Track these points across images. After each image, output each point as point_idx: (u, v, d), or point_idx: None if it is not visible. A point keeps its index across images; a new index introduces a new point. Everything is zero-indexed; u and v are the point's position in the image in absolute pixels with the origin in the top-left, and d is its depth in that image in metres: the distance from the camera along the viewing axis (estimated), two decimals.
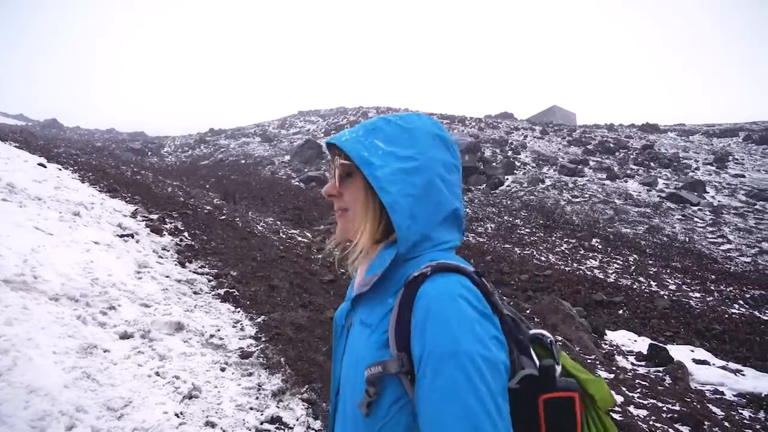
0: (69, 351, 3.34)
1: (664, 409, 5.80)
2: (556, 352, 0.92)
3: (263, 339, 4.88)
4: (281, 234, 12.43)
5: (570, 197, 23.14)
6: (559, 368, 0.90)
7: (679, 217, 20.70)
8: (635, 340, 9.58)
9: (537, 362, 0.90)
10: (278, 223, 15.24)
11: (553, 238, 18.16)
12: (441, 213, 1.03)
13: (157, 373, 3.56)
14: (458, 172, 1.09)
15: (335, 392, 1.10)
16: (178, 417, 3.13)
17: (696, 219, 20.45)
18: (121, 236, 6.79)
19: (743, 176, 25.53)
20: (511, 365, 0.89)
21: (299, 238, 12.44)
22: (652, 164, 27.82)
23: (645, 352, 8.57)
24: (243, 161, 30.54)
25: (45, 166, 10.20)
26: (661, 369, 7.82)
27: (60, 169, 10.93)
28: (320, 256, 10.31)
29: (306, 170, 27.15)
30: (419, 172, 1.02)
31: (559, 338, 7.99)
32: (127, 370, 3.46)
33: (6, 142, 13.56)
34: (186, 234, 8.42)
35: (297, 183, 24.92)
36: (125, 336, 3.99)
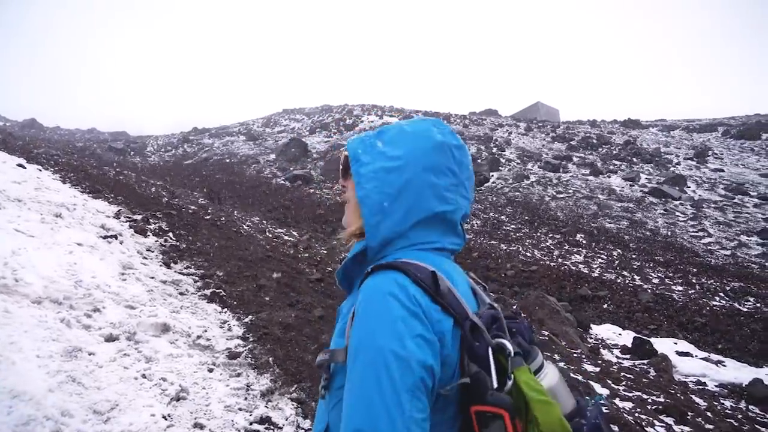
0: (53, 354, 3.29)
1: (649, 401, 5.90)
2: (510, 365, 0.90)
3: (251, 339, 4.85)
4: (267, 233, 12.36)
5: (554, 193, 23.35)
6: (509, 383, 0.88)
7: (661, 211, 21.01)
8: (620, 334, 9.73)
9: (493, 372, 0.88)
10: (264, 222, 15.15)
11: (538, 234, 18.32)
12: (418, 214, 1.04)
13: (144, 375, 3.52)
14: (454, 176, 1.09)
15: None
16: (166, 419, 3.10)
17: (677, 213, 20.77)
18: (105, 237, 6.69)
19: (722, 170, 25.98)
20: (461, 371, 0.91)
21: (286, 237, 12.39)
22: (634, 159, 28.17)
23: (629, 346, 8.71)
24: (228, 160, 30.27)
25: (24, 167, 9.99)
26: (645, 361, 7.95)
27: (40, 170, 10.71)
28: (307, 255, 10.28)
29: (291, 169, 26.99)
30: (400, 172, 1.04)
31: (546, 333, 8.08)
32: (113, 373, 3.41)
33: None
34: (171, 234, 8.33)
35: (282, 182, 24.77)
36: (110, 338, 3.93)
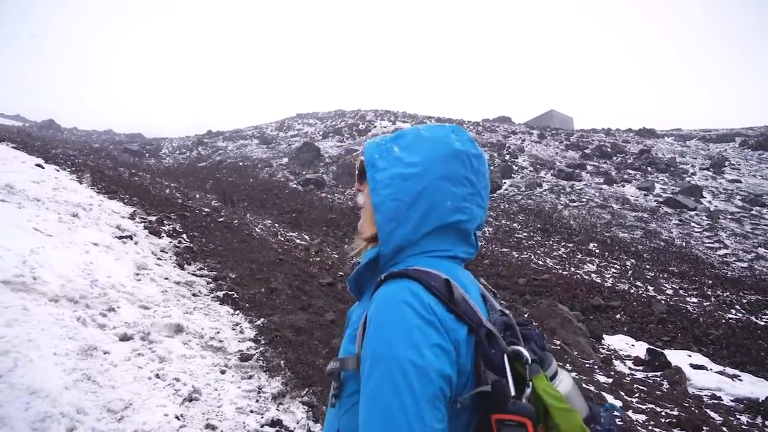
0: (69, 353, 3.32)
1: (663, 413, 5.81)
2: (529, 372, 0.88)
3: (263, 342, 4.87)
4: (279, 236, 12.42)
5: (567, 201, 23.19)
6: (528, 390, 0.86)
7: (676, 221, 20.76)
8: (633, 345, 9.60)
9: (510, 379, 0.87)
10: (276, 225, 15.23)
11: (551, 242, 18.19)
12: (432, 223, 1.03)
13: (158, 375, 3.55)
14: (471, 186, 1.06)
15: None
16: (179, 419, 3.12)
17: (693, 224, 20.51)
18: (120, 238, 6.77)
19: (739, 181, 25.63)
20: (477, 379, 0.90)
21: (297, 241, 12.43)
22: (649, 169, 27.91)
23: (643, 357, 8.59)
24: (241, 163, 30.51)
25: (43, 167, 10.16)
26: (658, 374, 7.84)
27: (58, 170, 10.89)
28: (318, 259, 10.30)
29: (304, 173, 27.14)
30: (416, 180, 1.03)
31: (558, 342, 8.00)
32: (127, 372, 3.44)
33: (3, 143, 13.52)
34: (184, 236, 8.41)
35: (295, 185, 24.91)
36: (125, 338, 3.97)
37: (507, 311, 1.04)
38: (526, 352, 0.91)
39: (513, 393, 0.85)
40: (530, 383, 0.87)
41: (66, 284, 4.40)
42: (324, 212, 19.54)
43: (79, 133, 46.51)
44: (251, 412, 3.50)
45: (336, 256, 11.35)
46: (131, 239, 6.88)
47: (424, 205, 1.02)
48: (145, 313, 4.59)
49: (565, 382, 0.96)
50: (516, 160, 29.62)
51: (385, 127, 37.04)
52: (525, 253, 16.84)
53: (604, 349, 9.19)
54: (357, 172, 1.18)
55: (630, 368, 8.27)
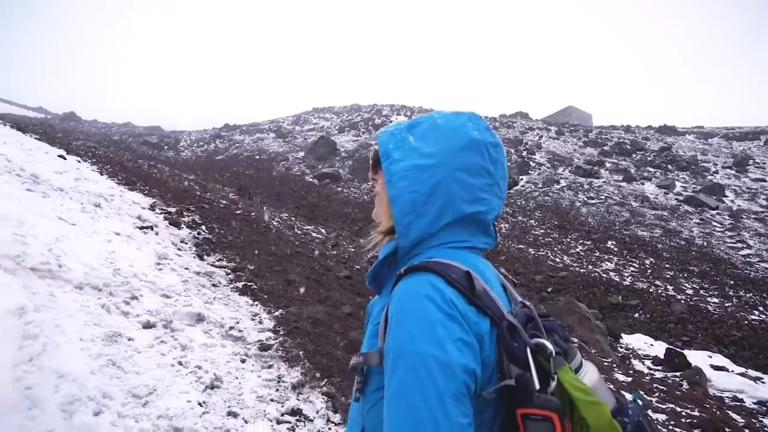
0: (95, 338, 3.38)
1: (683, 414, 5.72)
2: (553, 365, 0.86)
3: (282, 332, 4.90)
4: (296, 229, 12.48)
5: (585, 198, 22.91)
6: (553, 383, 0.84)
7: (697, 220, 20.38)
8: (651, 344, 9.47)
9: (534, 373, 0.85)
10: (293, 218, 15.31)
11: (568, 240, 18.00)
12: (450, 215, 1.01)
13: (180, 363, 3.60)
14: (489, 176, 1.04)
15: None
16: (201, 406, 3.16)
17: (714, 223, 20.11)
18: (141, 228, 6.86)
19: (764, 180, 25.03)
20: (500, 374, 0.88)
21: (314, 234, 12.49)
22: (669, 167, 27.41)
23: (662, 357, 8.46)
24: (258, 157, 30.69)
25: (65, 158, 10.34)
26: (678, 374, 7.71)
27: (79, 162, 11.07)
28: (335, 252, 10.34)
29: (320, 167, 27.21)
30: (433, 171, 1.00)
31: (575, 340, 7.93)
32: (150, 359, 3.49)
33: (27, 134, 13.77)
34: (203, 227, 8.49)
35: (311, 179, 24.99)
36: (148, 325, 4.03)
37: (528, 303, 1.02)
38: (549, 345, 0.88)
39: (538, 387, 0.84)
40: (555, 376, 0.85)
41: (90, 272, 4.48)
42: (340, 206, 19.59)
43: (99, 125, 47.19)
44: (271, 400, 3.53)
45: (352, 249, 11.38)
46: (152, 230, 6.97)
47: (442, 197, 1.00)
48: (167, 302, 4.65)
49: (590, 374, 0.92)
50: (533, 157, 29.33)
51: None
52: (542, 250, 16.69)
53: (622, 347, 9.08)
54: (371, 161, 1.16)
55: (649, 368, 8.16)
